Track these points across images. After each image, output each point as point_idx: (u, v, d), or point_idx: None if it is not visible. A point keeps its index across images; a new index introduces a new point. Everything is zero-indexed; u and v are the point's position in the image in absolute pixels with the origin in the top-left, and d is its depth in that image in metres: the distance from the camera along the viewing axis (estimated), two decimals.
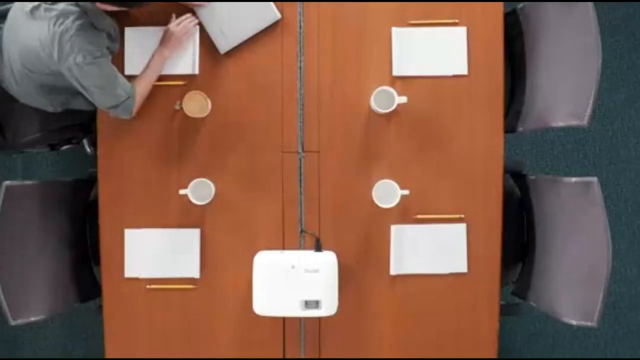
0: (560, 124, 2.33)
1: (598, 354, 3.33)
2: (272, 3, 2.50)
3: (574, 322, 2.30)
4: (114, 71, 2.36)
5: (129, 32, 2.53)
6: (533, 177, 2.56)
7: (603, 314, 2.22)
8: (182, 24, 2.45)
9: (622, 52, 3.37)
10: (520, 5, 2.55)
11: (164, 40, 2.45)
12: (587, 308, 2.25)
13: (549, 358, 3.33)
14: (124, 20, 2.53)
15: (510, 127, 2.56)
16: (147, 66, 2.46)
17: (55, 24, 2.23)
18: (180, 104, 2.47)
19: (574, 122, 2.27)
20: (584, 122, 2.22)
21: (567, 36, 2.36)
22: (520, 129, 2.52)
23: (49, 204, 2.54)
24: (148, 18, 2.52)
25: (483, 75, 2.51)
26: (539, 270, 2.55)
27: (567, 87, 2.36)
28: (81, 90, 2.34)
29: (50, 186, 2.60)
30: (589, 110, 2.20)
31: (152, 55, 2.46)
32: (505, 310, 2.59)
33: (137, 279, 2.53)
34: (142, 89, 2.44)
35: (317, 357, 2.54)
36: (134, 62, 2.53)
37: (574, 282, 2.34)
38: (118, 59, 2.53)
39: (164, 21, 2.49)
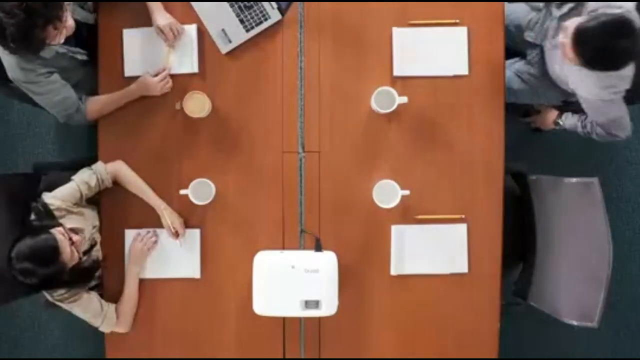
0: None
1: (598, 354, 3.33)
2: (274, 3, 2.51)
3: (574, 323, 2.30)
4: (49, 92, 2.40)
5: (127, 33, 2.53)
6: (534, 178, 2.56)
7: (604, 314, 2.22)
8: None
9: None
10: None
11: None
12: (588, 308, 2.26)
13: (549, 358, 3.33)
14: (121, 22, 2.53)
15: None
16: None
17: None
18: (181, 104, 2.47)
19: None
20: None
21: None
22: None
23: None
24: (144, 19, 2.51)
25: (484, 76, 2.51)
26: (539, 270, 2.55)
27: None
28: None
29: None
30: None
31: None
32: (506, 310, 2.59)
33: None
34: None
35: (317, 357, 2.54)
36: (133, 63, 2.53)
37: (575, 283, 2.34)
38: (118, 60, 2.54)
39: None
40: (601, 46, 2.08)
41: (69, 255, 2.22)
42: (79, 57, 2.51)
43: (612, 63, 2.15)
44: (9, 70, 2.35)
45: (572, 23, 2.15)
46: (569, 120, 2.61)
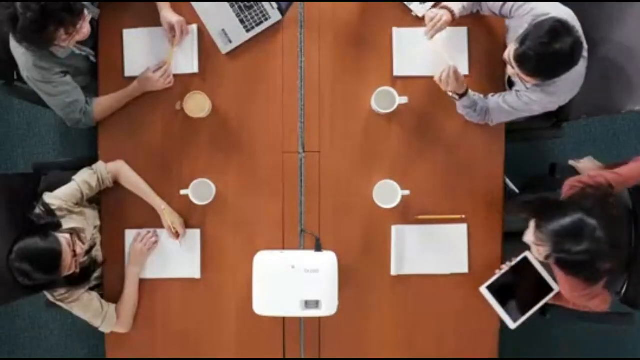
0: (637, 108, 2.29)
1: (599, 354, 3.32)
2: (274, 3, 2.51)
3: None
4: (62, 93, 2.40)
5: (127, 33, 2.53)
6: None
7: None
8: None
9: None
10: None
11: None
12: None
13: (549, 358, 3.33)
14: (121, 22, 2.53)
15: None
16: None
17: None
18: (181, 104, 2.47)
19: None
20: None
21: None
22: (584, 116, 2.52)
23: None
24: (145, 19, 2.52)
25: (484, 75, 2.51)
26: None
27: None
28: None
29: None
30: None
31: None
32: (615, 320, 2.56)
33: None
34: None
35: (317, 357, 2.54)
36: (133, 63, 2.53)
37: None
38: (118, 61, 2.54)
39: (160, 22, 2.48)
40: (545, 55, 2.07)
41: (68, 267, 2.22)
42: (91, 58, 2.52)
43: (567, 62, 2.12)
44: (24, 70, 2.34)
45: (508, 51, 2.16)
46: (467, 100, 2.42)
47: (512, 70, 2.21)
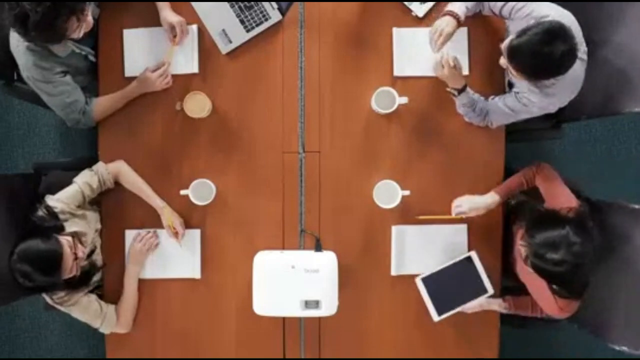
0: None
1: (599, 354, 3.32)
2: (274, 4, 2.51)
3: (625, 349, 2.24)
4: (62, 93, 2.40)
5: (127, 33, 2.53)
6: (594, 200, 2.43)
7: None
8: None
9: None
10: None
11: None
12: None
13: (549, 358, 3.33)
14: (121, 22, 2.53)
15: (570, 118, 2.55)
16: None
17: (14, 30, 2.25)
18: (181, 104, 2.47)
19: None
20: None
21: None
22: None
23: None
24: (145, 19, 2.52)
25: (484, 76, 2.51)
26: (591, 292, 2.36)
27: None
28: None
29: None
30: None
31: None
32: (544, 325, 2.56)
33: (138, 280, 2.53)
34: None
35: (317, 357, 2.54)
36: (133, 63, 2.53)
37: (633, 307, 2.26)
38: (118, 61, 2.54)
39: (160, 22, 2.48)
40: (536, 53, 2.06)
41: (68, 270, 2.22)
42: (91, 57, 2.52)
43: (554, 68, 2.11)
44: (24, 70, 2.34)
45: (506, 42, 2.16)
46: (466, 97, 2.42)
47: (503, 61, 2.20)
